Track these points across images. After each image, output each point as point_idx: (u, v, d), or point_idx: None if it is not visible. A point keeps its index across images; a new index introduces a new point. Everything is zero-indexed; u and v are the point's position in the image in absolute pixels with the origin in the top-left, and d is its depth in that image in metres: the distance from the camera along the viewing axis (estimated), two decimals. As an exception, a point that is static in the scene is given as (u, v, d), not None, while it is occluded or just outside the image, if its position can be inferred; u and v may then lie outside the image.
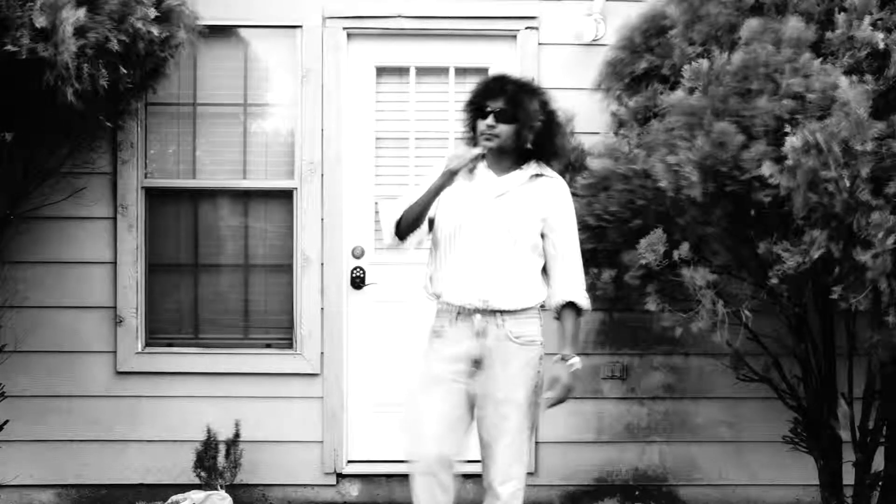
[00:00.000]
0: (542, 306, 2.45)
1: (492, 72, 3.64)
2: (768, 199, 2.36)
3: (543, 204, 2.40)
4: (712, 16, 2.63)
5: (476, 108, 2.39)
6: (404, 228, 2.41)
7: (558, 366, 2.38)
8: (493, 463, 2.37)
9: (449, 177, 2.32)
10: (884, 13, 2.39)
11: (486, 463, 2.40)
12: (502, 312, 2.35)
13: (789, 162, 2.23)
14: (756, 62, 2.37)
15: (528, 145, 2.37)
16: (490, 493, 2.39)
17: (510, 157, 2.41)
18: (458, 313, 2.37)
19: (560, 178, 2.50)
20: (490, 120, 2.33)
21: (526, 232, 2.36)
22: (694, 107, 2.44)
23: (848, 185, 2.18)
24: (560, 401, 2.37)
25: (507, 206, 2.37)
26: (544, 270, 2.45)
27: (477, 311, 2.35)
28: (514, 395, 2.35)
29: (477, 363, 2.37)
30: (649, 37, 2.94)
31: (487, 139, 2.35)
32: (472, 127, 2.42)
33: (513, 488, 2.36)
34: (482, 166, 2.44)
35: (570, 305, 2.42)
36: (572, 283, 2.43)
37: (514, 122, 2.34)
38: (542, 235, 2.41)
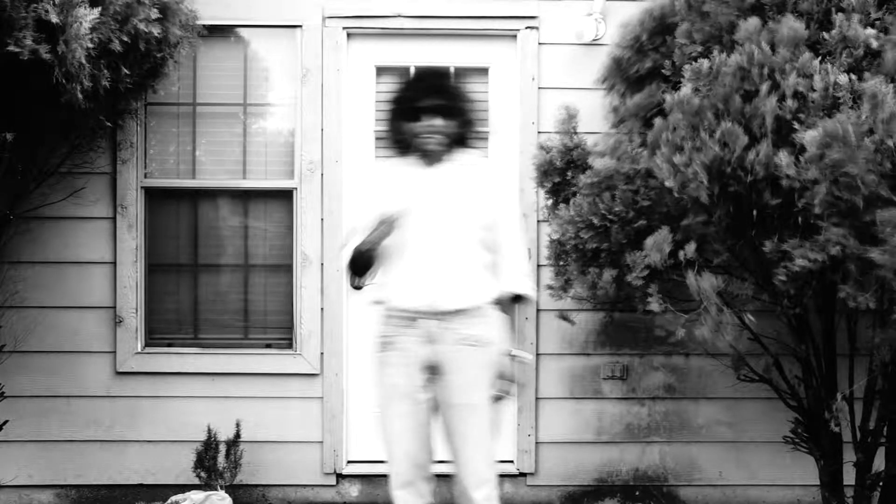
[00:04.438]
0: (499, 303, 2.40)
1: (493, 71, 3.65)
2: (778, 201, 2.34)
3: (481, 194, 2.34)
4: (714, 15, 2.62)
5: (409, 110, 2.29)
6: (359, 282, 2.37)
7: (507, 362, 2.35)
8: (465, 469, 2.32)
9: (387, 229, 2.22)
10: (881, 13, 2.38)
11: (457, 469, 2.35)
12: (452, 314, 2.27)
13: (811, 152, 2.19)
14: (752, 62, 2.36)
15: (463, 131, 2.33)
16: (465, 498, 2.33)
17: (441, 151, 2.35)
18: (406, 319, 2.30)
19: (494, 166, 2.45)
20: (432, 120, 2.27)
21: (465, 225, 2.30)
22: (697, 106, 2.42)
23: (873, 179, 2.15)
24: (503, 395, 2.34)
25: (443, 201, 2.31)
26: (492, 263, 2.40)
27: (425, 314, 2.28)
28: (474, 400, 2.30)
29: (433, 369, 2.30)
30: (654, 35, 2.91)
31: (431, 140, 2.29)
32: (401, 130, 2.33)
33: (488, 491, 2.33)
34: (413, 161, 2.37)
35: (516, 298, 2.39)
36: (517, 274, 2.37)
37: (453, 116, 2.29)
38: (486, 227, 2.34)
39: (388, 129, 2.39)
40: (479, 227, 2.32)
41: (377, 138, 3.67)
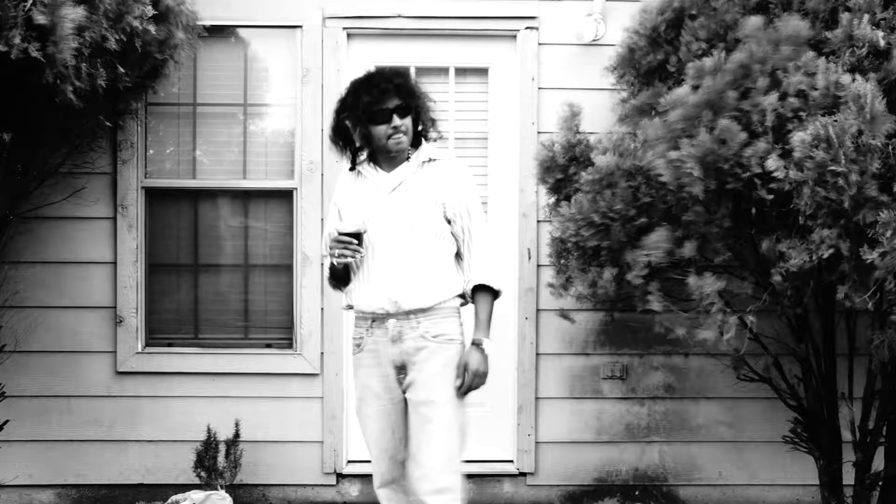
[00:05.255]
0: (463, 301, 2.39)
1: (493, 71, 3.66)
2: (771, 196, 2.34)
3: (439, 188, 2.31)
4: (719, 12, 2.62)
5: (377, 113, 2.25)
6: (337, 288, 2.42)
7: (468, 351, 2.31)
8: (421, 472, 2.21)
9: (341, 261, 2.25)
10: (887, 13, 2.38)
11: (414, 473, 2.24)
12: (416, 312, 2.27)
13: (797, 154, 2.21)
14: (753, 59, 2.36)
15: (422, 126, 2.34)
16: None
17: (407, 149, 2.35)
18: (373, 320, 2.31)
19: (454, 159, 2.43)
20: (396, 120, 2.25)
21: (426, 221, 2.28)
22: (694, 103, 2.42)
23: (857, 179, 2.16)
24: (470, 387, 2.28)
25: (402, 199, 2.30)
26: (460, 257, 2.39)
27: (389, 314, 2.28)
28: (435, 397, 2.24)
29: (400, 369, 2.30)
30: (670, 27, 2.86)
31: (398, 141, 2.27)
32: (368, 135, 2.30)
33: (447, 501, 2.20)
34: (371, 167, 2.38)
35: (483, 289, 2.34)
36: (481, 266, 2.34)
37: (410, 112, 2.28)
38: (449, 221, 2.33)
39: (344, 135, 2.35)
40: (438, 221, 2.30)
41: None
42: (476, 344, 2.30)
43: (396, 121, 2.25)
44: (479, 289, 2.35)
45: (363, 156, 2.42)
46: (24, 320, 3.50)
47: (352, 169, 2.43)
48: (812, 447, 3.02)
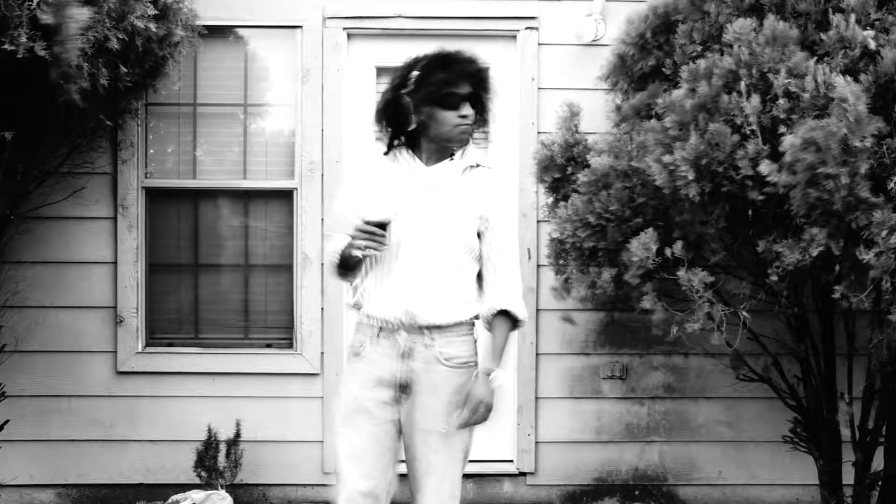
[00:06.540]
0: (477, 318, 2.14)
1: (493, 72, 3.64)
2: (762, 197, 2.35)
3: (479, 199, 2.07)
4: (712, 15, 2.63)
5: (446, 96, 2.00)
6: (344, 277, 2.17)
7: (474, 380, 2.04)
8: (424, 500, 2.07)
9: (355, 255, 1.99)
10: (880, 13, 2.38)
11: (415, 500, 2.11)
12: (431, 329, 2.03)
13: (788, 158, 2.22)
14: (739, 63, 2.37)
15: (481, 125, 2.10)
16: None
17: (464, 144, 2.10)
18: (381, 329, 2.06)
19: (496, 168, 2.19)
20: (467, 108, 2.01)
21: (459, 232, 2.04)
22: (688, 107, 2.43)
23: (847, 181, 2.18)
24: (472, 421, 2.02)
25: (437, 202, 2.05)
26: (479, 277, 2.14)
27: (402, 326, 2.03)
28: (445, 427, 2.03)
29: (403, 388, 2.05)
30: (658, 33, 2.87)
31: (464, 132, 2.04)
32: (433, 116, 2.03)
33: None
34: (408, 155, 2.11)
35: (504, 315, 2.09)
36: (507, 290, 2.09)
37: (480, 105, 2.05)
38: (479, 235, 2.09)
39: (393, 113, 2.08)
40: (471, 234, 2.07)
41: (377, 139, 3.67)
42: (485, 373, 2.04)
43: (467, 109, 2.01)
44: (500, 314, 2.09)
45: (400, 140, 2.14)
46: (24, 320, 3.50)
47: (387, 152, 2.16)
48: (811, 447, 3.02)
